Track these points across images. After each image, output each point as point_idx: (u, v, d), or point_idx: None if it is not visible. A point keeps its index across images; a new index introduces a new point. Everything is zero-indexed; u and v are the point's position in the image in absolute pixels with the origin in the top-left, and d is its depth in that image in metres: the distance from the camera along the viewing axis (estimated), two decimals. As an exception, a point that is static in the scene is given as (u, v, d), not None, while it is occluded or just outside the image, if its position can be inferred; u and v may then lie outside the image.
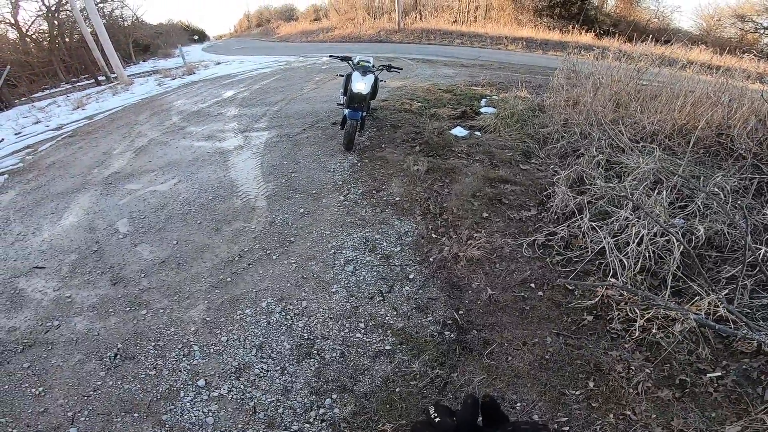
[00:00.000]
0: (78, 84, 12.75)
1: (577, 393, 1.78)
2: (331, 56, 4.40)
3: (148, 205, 3.54)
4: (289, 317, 2.26)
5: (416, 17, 21.83)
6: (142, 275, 2.70)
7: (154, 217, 3.35)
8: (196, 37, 35.28)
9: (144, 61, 20.16)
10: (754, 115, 4.11)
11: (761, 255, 2.33)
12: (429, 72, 8.85)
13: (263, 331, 2.19)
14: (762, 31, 19.12)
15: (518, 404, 1.75)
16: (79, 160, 4.96)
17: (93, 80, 12.50)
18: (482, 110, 5.31)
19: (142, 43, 21.73)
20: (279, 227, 3.05)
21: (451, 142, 4.30)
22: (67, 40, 15.54)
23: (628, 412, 1.68)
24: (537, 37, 17.05)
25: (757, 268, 2.25)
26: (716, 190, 2.82)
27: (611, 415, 1.68)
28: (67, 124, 7.30)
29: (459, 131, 4.51)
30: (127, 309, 2.43)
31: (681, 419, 1.64)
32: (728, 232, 2.56)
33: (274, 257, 2.74)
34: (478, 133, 4.54)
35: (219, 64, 14.01)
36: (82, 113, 8.10)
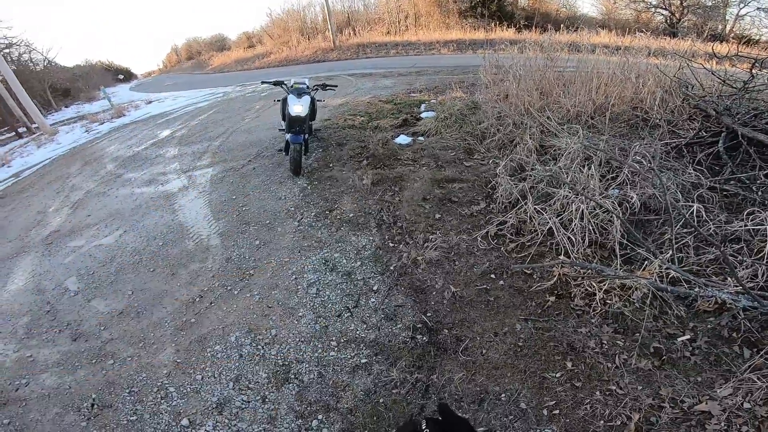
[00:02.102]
0: None
1: (558, 375, 1.82)
2: (263, 82, 4.38)
3: (95, 261, 3.36)
4: (260, 347, 2.24)
5: (350, 33, 22.21)
6: (102, 328, 2.60)
7: (104, 271, 3.18)
8: (121, 77, 33.57)
9: (66, 107, 18.76)
10: (660, 87, 4.57)
11: (693, 211, 2.50)
12: (369, 85, 9.03)
13: (236, 364, 2.16)
14: (653, 9, 21.28)
15: (503, 395, 1.78)
16: (14, 222, 4.61)
17: (13, 133, 11.51)
18: (422, 115, 5.49)
19: (60, 87, 20.30)
20: (236, 262, 2.98)
21: (396, 150, 4.40)
22: None
23: (613, 387, 1.71)
24: (465, 38, 17.94)
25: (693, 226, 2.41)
26: (638, 158, 3.09)
27: (597, 393, 1.70)
28: None
29: (403, 139, 4.63)
30: (94, 361, 2.35)
31: (669, 387, 1.66)
32: (659, 195, 2.79)
33: (236, 292, 2.68)
34: (421, 138, 4.68)
35: (151, 102, 13.42)
36: (8, 171, 7.48)
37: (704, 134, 3.73)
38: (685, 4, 19.78)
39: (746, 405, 1.54)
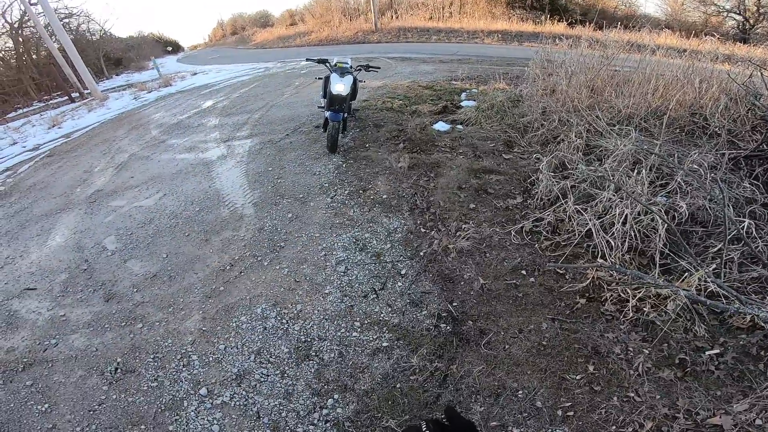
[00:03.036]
0: (51, 102, 12.44)
1: (577, 377, 1.79)
2: (307, 59, 4.38)
3: (134, 222, 3.49)
4: (284, 321, 2.27)
5: (392, 16, 21.89)
6: (135, 290, 2.68)
7: (142, 233, 3.31)
8: (170, 49, 34.70)
9: (117, 75, 19.74)
10: (724, 93, 4.25)
11: (744, 228, 2.40)
12: (408, 70, 8.90)
13: (260, 337, 2.19)
14: (725, 13, 19.72)
15: (519, 392, 1.77)
16: (60, 180, 4.87)
17: (66, 97, 12.19)
18: (463, 104, 5.37)
19: (113, 57, 21.31)
20: (268, 233, 3.04)
21: (434, 137, 4.33)
22: (34, 57, 15.12)
23: (632, 394, 1.69)
24: (511, 29, 17.28)
25: (743, 242, 2.29)
26: (694, 167, 2.91)
27: (615, 398, 1.68)
28: (44, 143, 7.14)
29: (441, 126, 4.55)
30: (123, 324, 2.42)
31: (686, 399, 1.63)
32: (710, 207, 2.63)
33: (266, 263, 2.73)
34: (460, 126, 4.59)
35: (195, 74, 13.80)
36: (59, 132, 7.92)
37: (766, 148, 3.46)
38: (762, 10, 18.20)
39: (758, 421, 1.51)
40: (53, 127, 8.37)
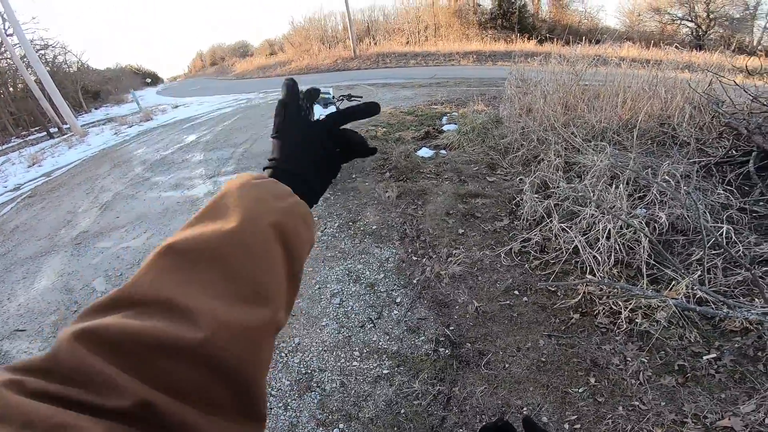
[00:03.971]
0: (29, 138, 12.26)
1: (580, 390, 1.82)
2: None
3: (123, 262, 3.47)
4: (283, 354, 2.27)
5: (370, 43, 22.57)
6: None
7: (131, 273, 3.25)
8: (148, 80, 34.83)
9: (96, 108, 19.61)
10: (689, 103, 4.48)
11: (723, 233, 2.49)
12: (389, 96, 9.13)
13: None
14: (678, 21, 20.90)
15: (524, 409, 1.78)
16: (44, 221, 4.81)
17: (45, 133, 12.07)
18: (444, 128, 5.52)
19: (91, 89, 21.24)
20: None
21: (419, 163, 4.43)
22: (11, 89, 14.98)
23: (636, 403, 1.72)
24: (485, 50, 17.98)
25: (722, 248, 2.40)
26: (667, 177, 3.04)
27: (620, 408, 1.71)
28: (25, 183, 7.07)
29: (425, 152, 4.66)
30: None
31: (692, 404, 1.66)
32: (688, 216, 2.74)
33: None
34: (443, 151, 4.70)
35: (177, 107, 13.89)
36: (39, 170, 7.84)
37: (734, 153, 3.64)
38: (711, 16, 19.36)
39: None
40: (33, 165, 8.26)
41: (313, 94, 0.46)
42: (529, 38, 19.07)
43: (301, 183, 0.41)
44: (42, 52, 17.04)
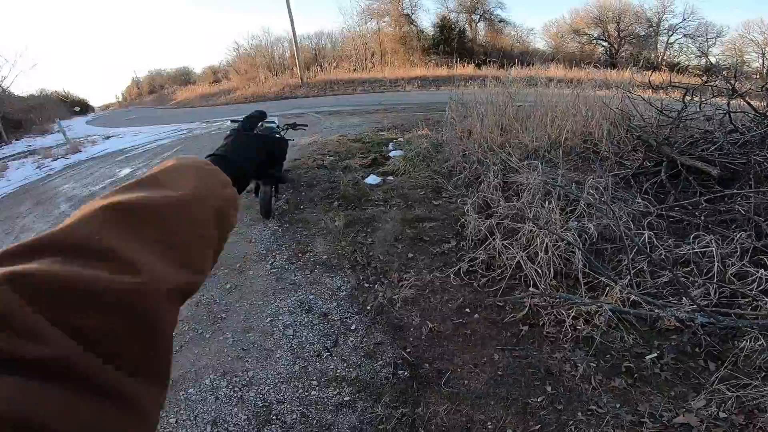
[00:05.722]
0: None
1: (539, 400, 1.87)
2: (232, 121, 4.37)
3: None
4: (237, 389, 2.15)
5: (317, 70, 22.84)
6: None
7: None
8: (77, 109, 32.29)
9: (17, 140, 17.55)
10: (606, 119, 4.97)
11: (645, 239, 2.74)
12: (337, 123, 9.24)
13: (213, 407, 2.06)
14: (594, 41, 23.38)
15: (488, 423, 1.80)
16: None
17: (-42, 168, 10.73)
18: (391, 154, 5.65)
19: (12, 119, 19.25)
20: (206, 306, 2.88)
21: (367, 191, 4.47)
22: None
23: (593, 407, 1.78)
24: (429, 75, 18.90)
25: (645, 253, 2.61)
26: (591, 191, 3.31)
27: (579, 413, 1.76)
28: None
29: (372, 179, 4.72)
30: None
31: (646, 403, 1.75)
32: (614, 225, 2.99)
33: (208, 335, 2.59)
34: (390, 177, 4.80)
35: (109, 137, 12.98)
36: (-50, 211, 6.92)
37: (648, 164, 4.05)
38: (622, 35, 21.79)
39: (722, 414, 1.65)
40: (-57, 203, 7.30)
41: (255, 118, 0.63)
42: (468, 63, 20.37)
43: (238, 173, 0.49)
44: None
